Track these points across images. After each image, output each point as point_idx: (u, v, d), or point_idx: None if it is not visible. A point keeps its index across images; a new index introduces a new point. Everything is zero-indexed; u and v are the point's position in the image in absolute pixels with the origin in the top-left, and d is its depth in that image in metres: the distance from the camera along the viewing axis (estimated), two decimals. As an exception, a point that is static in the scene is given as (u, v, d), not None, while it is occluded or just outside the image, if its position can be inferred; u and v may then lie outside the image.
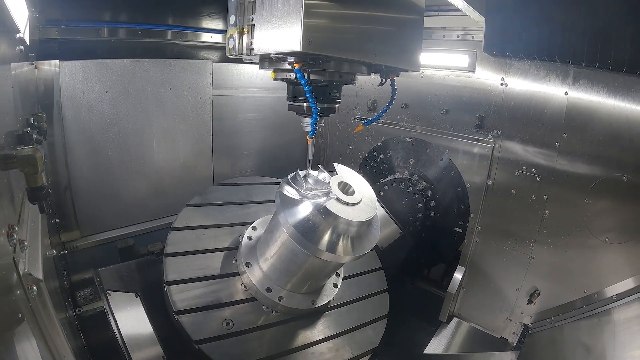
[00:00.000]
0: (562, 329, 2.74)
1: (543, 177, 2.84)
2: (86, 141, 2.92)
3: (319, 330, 2.42)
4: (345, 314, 2.57)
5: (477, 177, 3.19)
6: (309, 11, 1.54)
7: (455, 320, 3.38)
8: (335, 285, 2.52)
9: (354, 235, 2.00)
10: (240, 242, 2.47)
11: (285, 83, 2.04)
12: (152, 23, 3.27)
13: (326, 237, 1.95)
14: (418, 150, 3.59)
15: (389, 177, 3.73)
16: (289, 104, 2.03)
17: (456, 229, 3.42)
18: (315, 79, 1.88)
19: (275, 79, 1.95)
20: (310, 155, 2.07)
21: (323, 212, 1.92)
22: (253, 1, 1.76)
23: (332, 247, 1.94)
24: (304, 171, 2.13)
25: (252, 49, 1.77)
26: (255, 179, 3.13)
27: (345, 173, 2.24)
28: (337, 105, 2.06)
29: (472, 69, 3.15)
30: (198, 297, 2.21)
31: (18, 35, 1.97)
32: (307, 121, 1.95)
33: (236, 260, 2.42)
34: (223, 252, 2.46)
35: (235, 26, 1.83)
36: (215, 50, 3.67)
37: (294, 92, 2.00)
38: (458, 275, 3.27)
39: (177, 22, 3.41)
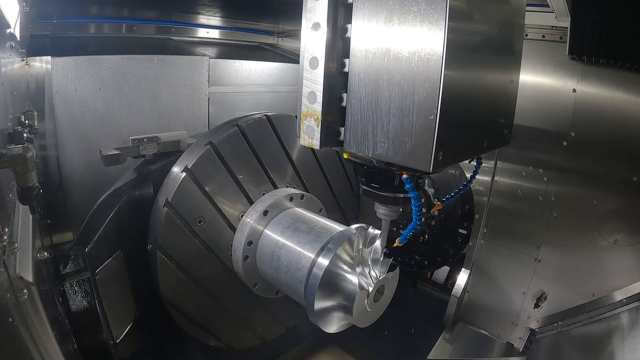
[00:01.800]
0: (569, 333, 2.74)
1: (550, 177, 2.84)
2: (79, 140, 2.92)
3: (236, 299, 2.50)
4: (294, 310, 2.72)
5: (482, 176, 3.19)
6: (444, 121, 1.11)
7: (459, 324, 3.38)
8: (277, 293, 2.55)
9: (339, 323, 2.05)
10: (281, 188, 2.46)
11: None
12: (147, 18, 3.27)
13: (325, 312, 1.97)
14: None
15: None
16: (363, 189, 1.63)
17: (460, 230, 3.42)
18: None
19: (350, 162, 1.52)
20: (382, 245, 1.86)
21: (348, 300, 1.91)
22: (344, 72, 1.30)
23: (320, 319, 1.97)
24: (380, 245, 1.91)
25: (341, 141, 1.35)
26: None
27: (394, 277, 2.08)
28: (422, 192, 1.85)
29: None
30: (210, 179, 2.23)
31: (8, 30, 1.98)
32: (384, 209, 1.65)
33: (264, 194, 2.42)
34: (264, 175, 2.44)
35: (315, 106, 1.30)
36: (211, 46, 3.68)
37: (372, 178, 1.61)
38: (462, 278, 3.27)
39: (173, 17, 3.42)
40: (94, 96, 2.92)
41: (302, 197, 2.50)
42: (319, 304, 1.92)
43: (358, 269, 1.94)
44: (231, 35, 3.98)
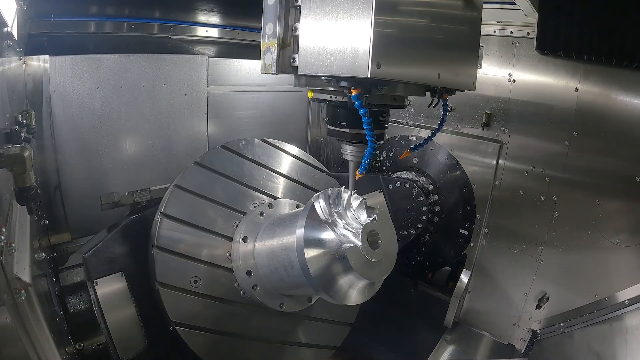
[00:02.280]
0: (572, 335, 2.74)
1: (552, 176, 2.84)
2: (77, 139, 2.92)
3: (276, 330, 2.47)
4: (303, 325, 2.61)
5: (484, 176, 3.19)
6: (379, 30, 1.28)
7: (460, 326, 3.38)
8: (310, 300, 2.51)
9: (355, 288, 1.98)
10: (251, 211, 2.44)
11: (292, 83, 1.82)
12: (146, 17, 3.27)
13: (329, 280, 1.91)
14: (422, 149, 3.60)
15: (392, 177, 3.74)
16: (329, 129, 1.79)
17: (462, 230, 3.42)
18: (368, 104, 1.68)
19: (313, 100, 1.74)
20: (350, 188, 1.90)
21: (341, 258, 1.85)
22: (298, 6, 1.53)
23: (330, 290, 1.92)
24: (349, 193, 1.94)
25: (296, 66, 1.54)
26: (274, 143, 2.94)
27: (382, 217, 2.04)
28: (385, 131, 1.89)
29: (478, 64, 3.15)
30: (180, 242, 2.23)
31: (5, 29, 1.98)
32: (350, 149, 1.77)
33: (237, 226, 2.40)
34: (229, 210, 2.42)
35: (274, 37, 1.56)
36: (211, 44, 3.67)
37: (336, 115, 1.77)
38: (464, 279, 3.27)
39: (172, 15, 3.42)
40: (92, 95, 2.92)
41: (270, 206, 2.49)
42: (320, 277, 1.87)
43: (338, 227, 1.89)
44: (230, 33, 3.97)
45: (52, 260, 2.55)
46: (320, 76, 1.50)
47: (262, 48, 1.63)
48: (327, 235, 1.88)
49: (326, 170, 2.99)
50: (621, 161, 2.53)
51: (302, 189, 2.81)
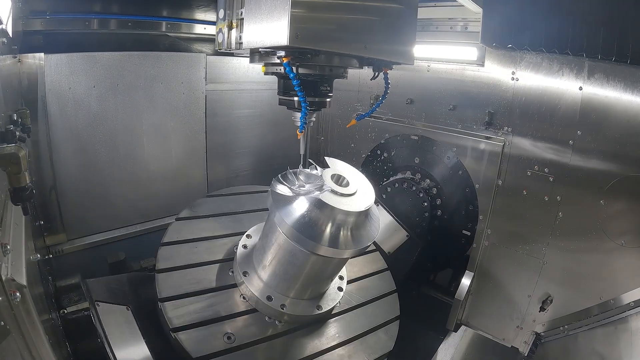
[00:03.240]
0: (576, 337, 2.74)
1: (556, 176, 2.84)
2: (72, 139, 2.92)
3: (328, 337, 2.41)
4: (355, 318, 2.57)
5: (487, 176, 3.20)
6: (296, 3, 1.59)
7: (463, 328, 3.38)
8: (340, 289, 2.53)
9: (352, 227, 2.03)
10: (235, 252, 2.47)
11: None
12: (143, 14, 3.27)
13: (324, 231, 1.97)
14: (424, 149, 3.60)
15: (393, 177, 3.74)
16: (279, 99, 2.11)
17: (464, 231, 3.42)
18: (304, 72, 1.94)
19: (266, 73, 2.03)
20: (302, 151, 2.12)
21: (318, 205, 1.95)
22: None
23: (331, 241, 1.96)
24: (296, 169, 2.16)
25: (242, 43, 1.84)
26: (245, 188, 3.14)
27: (339, 166, 2.27)
28: (328, 100, 2.13)
29: (481, 63, 3.15)
30: (195, 312, 2.19)
31: (0, 26, 1.97)
32: (298, 115, 2.00)
33: (232, 272, 2.42)
34: (218, 264, 2.46)
35: (224, 20, 1.90)
36: (209, 42, 3.67)
37: (285, 86, 2.07)
38: (466, 281, 3.27)
39: (169, 12, 3.41)
40: (88, 94, 2.92)
41: (248, 236, 2.54)
42: (310, 230, 1.95)
43: (303, 189, 2.03)
44: (229, 31, 3.98)
45: (47, 262, 2.54)
46: (258, 49, 1.84)
47: (216, 30, 1.97)
48: (299, 202, 2.01)
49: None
50: (627, 161, 2.53)
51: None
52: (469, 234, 3.39)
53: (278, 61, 1.85)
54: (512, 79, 2.98)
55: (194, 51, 3.54)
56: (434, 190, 3.54)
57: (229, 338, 2.15)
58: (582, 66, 2.63)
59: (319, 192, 1.97)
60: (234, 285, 2.37)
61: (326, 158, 2.33)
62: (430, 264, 3.70)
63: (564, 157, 2.78)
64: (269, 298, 2.26)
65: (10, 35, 2.21)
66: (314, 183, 2.04)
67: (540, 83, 2.84)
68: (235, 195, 3.02)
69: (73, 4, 2.93)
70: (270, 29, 1.65)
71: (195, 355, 2.03)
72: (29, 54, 2.64)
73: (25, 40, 2.66)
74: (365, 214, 2.09)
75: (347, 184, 2.15)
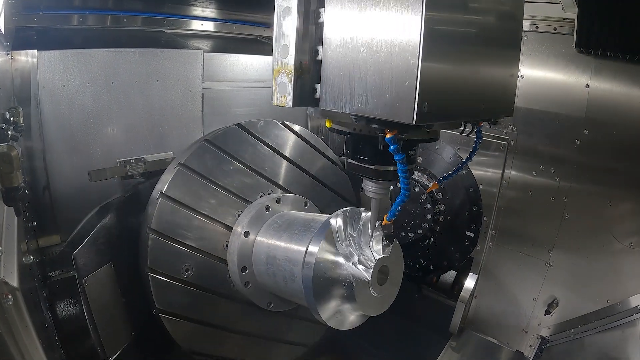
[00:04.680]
0: (582, 341, 2.74)
1: (562, 176, 2.84)
2: (66, 138, 2.92)
3: (260, 326, 2.52)
4: (287, 325, 2.69)
5: (491, 177, 3.19)
6: (427, 66, 1.07)
7: (466, 332, 3.38)
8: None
9: (349, 317, 2.03)
10: (255, 201, 2.42)
11: None
12: (138, 10, 3.27)
13: (330, 308, 1.96)
14: (426, 148, 3.59)
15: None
16: (348, 162, 1.60)
17: (468, 233, 3.42)
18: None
19: (332, 130, 1.53)
20: (370, 227, 1.84)
21: (347, 289, 1.88)
22: (318, 23, 1.27)
23: (327, 314, 1.95)
24: (367, 216, 1.87)
25: (317, 99, 1.33)
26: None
27: (396, 251, 2.05)
28: (415, 166, 1.77)
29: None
30: (178, 226, 2.22)
31: (-8, 23, 1.98)
32: (373, 186, 1.60)
33: (239, 216, 2.38)
34: (234, 197, 2.40)
35: (287, 60, 1.28)
36: (206, 39, 3.67)
37: (358, 148, 1.56)
38: (470, 284, 3.27)
39: (165, 8, 3.41)
40: (82, 92, 2.92)
41: (278, 201, 2.46)
42: (320, 300, 1.90)
43: (351, 255, 1.89)
44: (227, 27, 3.97)
45: (40, 264, 2.54)
46: (347, 114, 1.27)
47: (275, 74, 1.33)
48: (339, 264, 1.90)
49: (340, 164, 2.98)
50: (634, 160, 2.53)
51: (312, 181, 2.81)
52: (472, 235, 3.39)
53: (359, 123, 1.34)
54: (518, 76, 2.97)
55: (190, 48, 3.54)
56: (437, 191, 3.54)
57: (186, 270, 2.22)
58: (589, 63, 2.63)
59: (359, 279, 1.84)
60: (229, 229, 2.36)
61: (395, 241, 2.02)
62: (432, 265, 3.69)
63: (570, 157, 2.78)
64: (244, 269, 2.29)
65: (2, 32, 2.21)
66: (365, 255, 1.89)
67: (546, 80, 2.84)
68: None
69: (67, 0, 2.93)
70: (379, 92, 1.15)
71: (151, 264, 2.14)
72: (22, 51, 2.64)
73: (17, 37, 2.66)
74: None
75: (384, 282, 1.96)
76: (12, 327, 1.37)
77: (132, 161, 2.51)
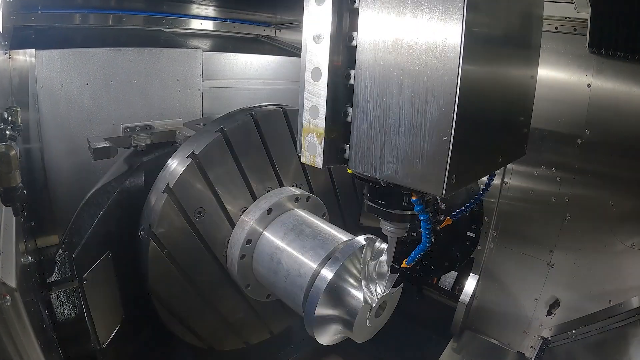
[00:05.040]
0: (584, 342, 2.74)
1: (564, 176, 2.84)
2: (65, 137, 2.92)
3: (225, 298, 2.52)
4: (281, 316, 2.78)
5: (492, 176, 3.19)
6: (459, 142, 1.08)
7: (467, 333, 3.38)
8: (268, 297, 2.58)
9: (336, 336, 2.10)
10: (288, 189, 2.49)
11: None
12: (137, 9, 3.27)
13: (324, 325, 2.00)
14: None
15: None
16: (369, 205, 1.60)
17: (469, 233, 3.42)
18: None
19: (355, 177, 1.45)
20: (388, 261, 1.86)
21: (348, 315, 1.95)
22: (348, 85, 1.27)
23: (316, 328, 1.98)
24: (386, 259, 1.89)
25: (347, 159, 1.32)
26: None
27: (395, 293, 2.14)
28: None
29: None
30: (215, 168, 2.24)
31: (-10, 21, 1.98)
32: (391, 226, 1.62)
33: (269, 191, 2.45)
34: (273, 173, 2.49)
35: (317, 121, 1.28)
36: (205, 38, 3.68)
37: (378, 193, 1.58)
38: (471, 284, 3.27)
39: (164, 7, 3.42)
40: (80, 91, 2.92)
41: (307, 199, 2.51)
42: (319, 316, 1.94)
43: (363, 283, 1.96)
44: (226, 26, 3.98)
45: (39, 264, 2.54)
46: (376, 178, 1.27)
47: (304, 133, 1.33)
48: (349, 295, 1.96)
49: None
50: (636, 160, 2.53)
51: (330, 188, 2.90)
52: (473, 235, 3.39)
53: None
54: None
55: (190, 47, 3.54)
56: (442, 205, 3.53)
57: (199, 212, 2.23)
58: (591, 62, 2.63)
59: (361, 305, 1.91)
60: (252, 194, 2.40)
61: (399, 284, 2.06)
62: (433, 266, 3.69)
63: (572, 157, 2.78)
64: (248, 242, 2.30)
65: (1, 31, 2.21)
66: (371, 287, 1.97)
67: (547, 79, 2.84)
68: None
69: (65, -2, 2.94)
70: (409, 164, 1.15)
71: (167, 190, 2.13)
72: (20, 50, 2.64)
73: (16, 36, 2.66)
74: None
75: (380, 314, 2.08)
76: (10, 327, 1.37)
77: (138, 129, 2.39)
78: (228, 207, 2.33)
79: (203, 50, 3.52)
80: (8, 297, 1.35)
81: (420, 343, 3.59)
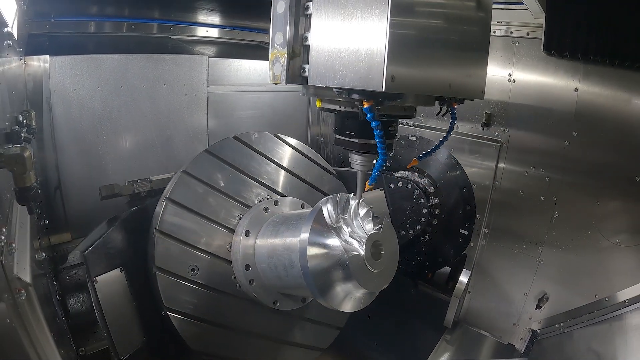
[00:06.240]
0: (571, 335, 2.74)
1: (552, 177, 2.84)
2: (77, 139, 2.92)
3: (267, 326, 2.49)
4: (297, 327, 2.64)
5: (484, 177, 3.19)
6: (394, 39, 1.24)
7: (460, 325, 3.38)
8: (304, 300, 2.52)
9: (351, 296, 1.98)
10: (254, 205, 2.45)
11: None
12: (146, 17, 3.27)
13: (328, 285, 1.91)
14: (422, 149, 3.59)
15: (394, 177, 3.73)
16: (337, 138, 1.75)
17: (462, 230, 3.42)
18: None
19: (322, 109, 1.72)
20: (358, 197, 1.90)
21: (343, 265, 1.85)
22: (308, 15, 1.49)
23: (327, 295, 1.91)
24: (356, 201, 1.91)
25: (306, 77, 1.51)
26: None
27: (387, 228, 2.03)
28: (395, 141, 1.86)
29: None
30: (183, 228, 2.25)
31: (6, 29, 1.98)
32: (359, 159, 1.74)
33: (240, 218, 2.41)
34: (234, 201, 2.44)
35: (283, 47, 1.51)
36: (211, 44, 3.67)
37: (345, 125, 1.73)
38: (463, 279, 3.27)
39: (172, 15, 3.42)
40: (92, 96, 2.92)
41: (276, 202, 2.50)
42: (320, 282, 1.87)
43: (343, 235, 1.88)
44: (231, 33, 3.97)
45: (52, 260, 2.54)
46: (331, 87, 1.46)
47: (271, 57, 1.56)
48: (332, 241, 1.88)
49: (334, 172, 2.99)
50: (621, 161, 2.53)
51: (308, 188, 2.82)
52: (466, 233, 3.39)
53: (343, 99, 1.52)
54: (509, 80, 2.98)
55: (196, 53, 3.54)
56: (432, 190, 3.54)
57: (192, 270, 2.25)
58: (578, 68, 2.64)
59: (352, 253, 1.82)
60: (231, 231, 2.39)
61: (386, 219, 2.02)
62: (428, 262, 3.69)
63: (560, 158, 2.78)
64: (247, 267, 2.29)
65: (16, 38, 2.21)
66: (357, 234, 1.88)
67: (537, 84, 2.84)
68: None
69: (78, 7, 2.93)
70: (352, 67, 1.33)
71: (158, 263, 2.16)
72: (34, 56, 2.64)
73: (30, 43, 2.66)
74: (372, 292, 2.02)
75: (380, 257, 1.93)
76: (24, 320, 1.37)
77: (139, 181, 2.65)
78: (216, 251, 2.33)
79: (209, 57, 3.52)
80: (23, 292, 1.35)
81: (415, 336, 3.59)
